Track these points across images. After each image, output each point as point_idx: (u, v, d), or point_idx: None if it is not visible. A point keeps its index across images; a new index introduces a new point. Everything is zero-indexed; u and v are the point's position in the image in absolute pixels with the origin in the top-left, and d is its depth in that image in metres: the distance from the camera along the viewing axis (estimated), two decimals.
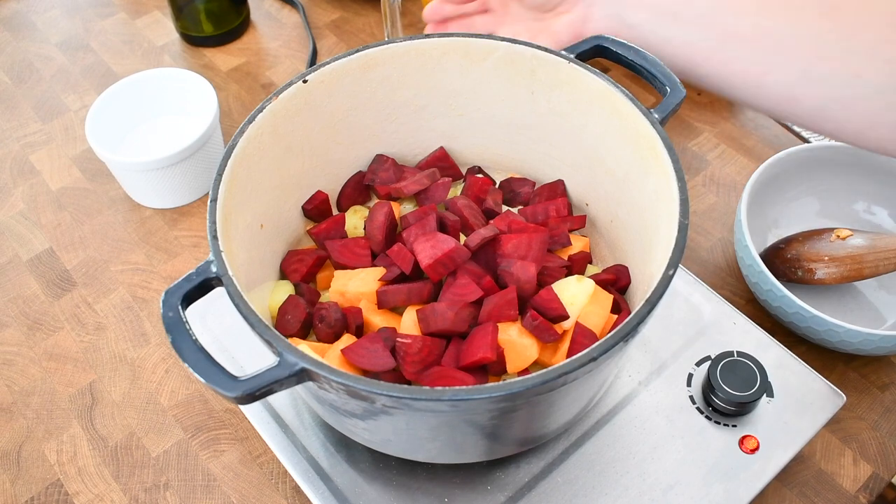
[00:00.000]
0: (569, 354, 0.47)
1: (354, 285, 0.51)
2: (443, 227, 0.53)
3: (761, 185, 0.64)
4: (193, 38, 0.89)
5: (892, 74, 0.46)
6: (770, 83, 0.51)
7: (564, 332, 0.48)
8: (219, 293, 0.41)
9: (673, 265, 0.40)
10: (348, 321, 0.50)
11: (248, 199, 0.48)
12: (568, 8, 0.58)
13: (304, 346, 0.47)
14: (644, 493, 0.50)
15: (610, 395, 0.55)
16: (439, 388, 0.36)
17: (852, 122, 0.48)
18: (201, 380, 0.37)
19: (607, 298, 0.50)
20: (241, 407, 0.58)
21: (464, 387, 0.37)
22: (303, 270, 0.54)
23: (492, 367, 0.47)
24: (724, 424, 0.53)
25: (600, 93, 0.50)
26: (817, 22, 0.48)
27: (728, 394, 0.51)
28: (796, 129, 0.75)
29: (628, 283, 0.53)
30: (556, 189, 0.58)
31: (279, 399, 0.55)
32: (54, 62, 0.88)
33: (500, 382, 0.36)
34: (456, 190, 0.59)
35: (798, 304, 0.56)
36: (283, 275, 0.55)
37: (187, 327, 0.39)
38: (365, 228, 0.56)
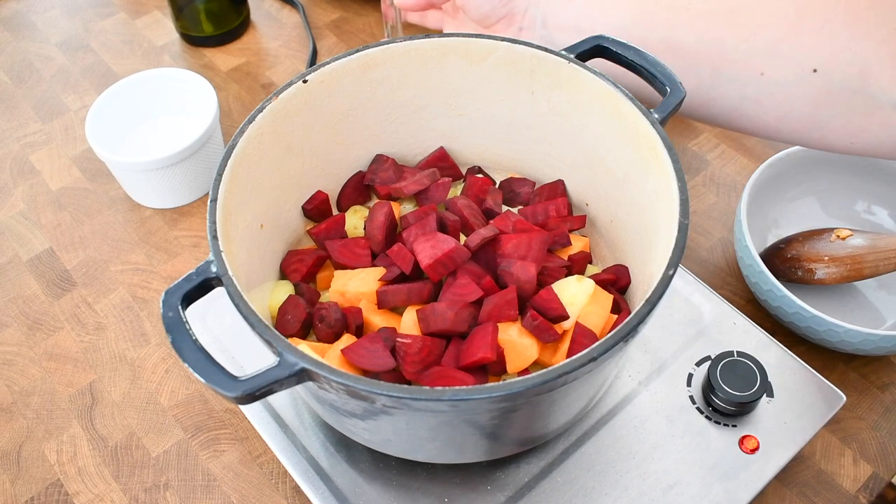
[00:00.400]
0: (569, 354, 0.47)
1: (354, 285, 0.51)
2: (443, 227, 0.53)
3: (761, 185, 0.64)
4: (193, 38, 0.89)
5: (792, 70, 0.49)
6: (687, 88, 0.54)
7: (564, 332, 0.48)
8: (219, 293, 0.41)
9: (673, 265, 0.40)
10: (348, 321, 0.50)
11: (248, 199, 0.48)
12: (503, 28, 0.61)
13: (304, 346, 0.47)
14: (644, 493, 0.50)
15: (610, 395, 0.55)
16: (439, 388, 0.36)
17: (766, 117, 0.52)
18: (201, 380, 0.37)
19: (607, 298, 0.50)
20: (241, 407, 0.58)
21: (464, 387, 0.37)
22: (303, 270, 0.54)
23: (492, 367, 0.47)
24: (724, 424, 0.53)
25: (600, 93, 0.50)
26: (720, 28, 0.52)
27: (728, 394, 0.51)
28: None
29: (628, 283, 0.53)
30: (556, 189, 0.58)
31: (279, 399, 0.55)
32: (54, 62, 0.88)
33: (500, 382, 0.36)
34: (456, 190, 0.59)
35: (798, 304, 0.56)
36: (283, 275, 0.55)
37: (187, 327, 0.39)
38: (365, 228, 0.56)
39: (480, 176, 0.59)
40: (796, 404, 0.54)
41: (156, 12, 0.94)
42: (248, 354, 0.57)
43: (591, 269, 0.55)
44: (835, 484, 0.56)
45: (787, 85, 0.50)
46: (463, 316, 0.47)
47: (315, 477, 0.51)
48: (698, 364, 0.56)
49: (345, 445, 0.53)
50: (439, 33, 0.53)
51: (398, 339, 0.47)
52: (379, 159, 0.59)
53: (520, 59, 0.52)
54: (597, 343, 0.38)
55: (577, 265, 0.54)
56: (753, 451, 0.52)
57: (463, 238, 0.53)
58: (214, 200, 0.44)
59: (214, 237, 0.42)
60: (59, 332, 0.66)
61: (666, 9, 0.54)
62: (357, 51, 0.52)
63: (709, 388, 0.53)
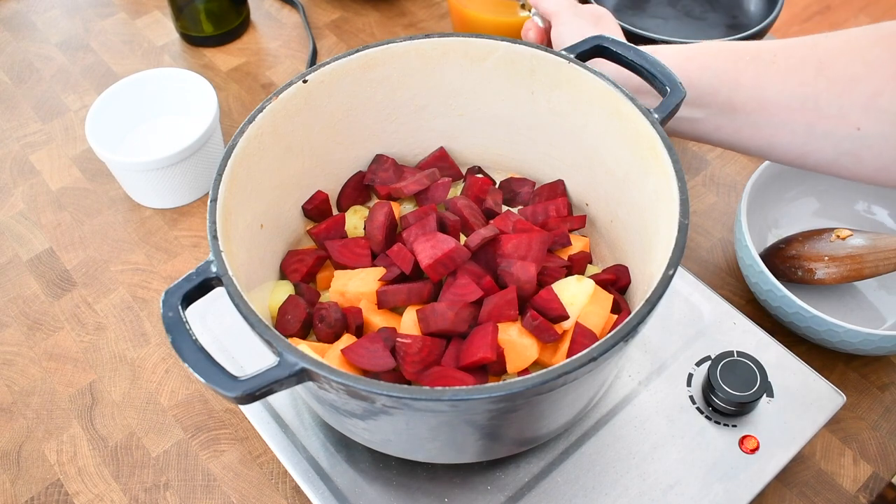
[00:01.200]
0: (569, 354, 0.47)
1: (354, 285, 0.51)
2: (443, 227, 0.53)
3: (761, 185, 0.64)
4: (193, 38, 0.89)
5: (891, 122, 0.47)
6: (780, 144, 0.52)
7: (564, 332, 0.48)
8: (219, 293, 0.41)
9: (673, 265, 0.40)
10: (348, 321, 0.50)
11: (248, 199, 0.48)
12: None
13: (304, 346, 0.47)
14: (644, 493, 0.50)
15: (610, 395, 0.55)
16: (439, 388, 0.36)
17: (864, 169, 0.50)
18: (201, 380, 0.37)
19: (607, 298, 0.50)
20: (241, 407, 0.58)
21: (464, 387, 0.37)
22: (303, 270, 0.54)
23: (492, 367, 0.47)
24: (724, 424, 0.53)
25: (600, 93, 0.50)
26: (812, 83, 0.50)
27: (728, 394, 0.51)
28: None
29: (628, 283, 0.53)
30: (556, 189, 0.58)
31: (279, 399, 0.55)
32: (54, 62, 0.88)
33: (500, 382, 0.36)
34: (456, 190, 0.59)
35: (798, 304, 0.56)
36: (283, 275, 0.55)
37: (187, 327, 0.39)
38: (365, 228, 0.56)
39: (480, 176, 0.59)
40: (796, 404, 0.54)
41: (156, 12, 0.94)
42: (248, 354, 0.57)
43: (591, 269, 0.55)
44: (835, 484, 0.56)
45: (885, 137, 0.48)
46: (463, 316, 0.47)
47: (315, 477, 0.51)
48: (698, 364, 0.56)
49: (345, 445, 0.53)
50: (439, 33, 0.53)
51: (398, 339, 0.47)
52: (379, 159, 0.59)
53: (520, 59, 0.52)
54: (597, 343, 0.38)
55: (577, 265, 0.54)
56: (753, 451, 0.52)
57: (463, 238, 0.53)
58: (214, 200, 0.44)
59: (214, 237, 0.42)
60: (59, 332, 0.66)
61: (751, 64, 0.52)
62: (357, 51, 0.52)
63: (709, 388, 0.53)
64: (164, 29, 0.92)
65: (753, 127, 0.53)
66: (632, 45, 0.51)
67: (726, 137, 0.55)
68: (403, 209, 0.58)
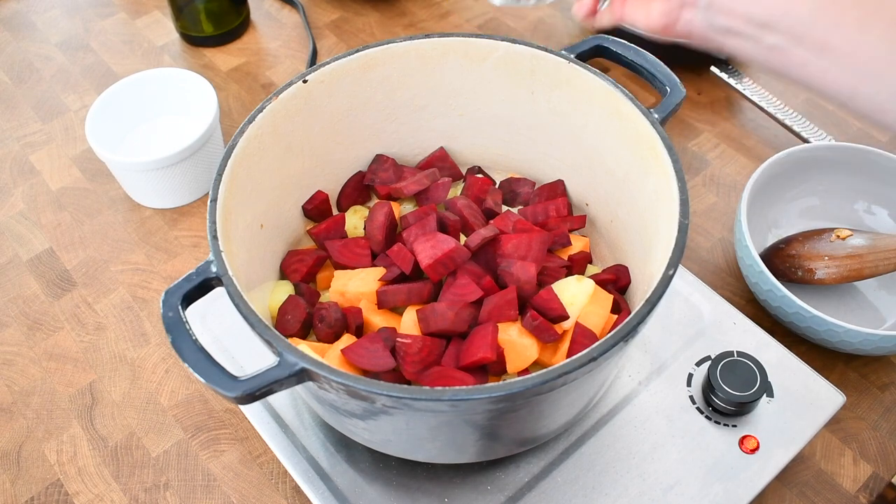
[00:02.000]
0: (569, 354, 0.47)
1: (354, 285, 0.51)
2: (443, 227, 0.53)
3: (761, 185, 0.64)
4: (193, 38, 0.89)
5: None
6: (863, 95, 0.50)
7: (564, 332, 0.48)
8: (219, 293, 0.41)
9: (673, 265, 0.40)
10: (348, 321, 0.50)
11: (248, 199, 0.48)
12: (662, 2, 0.55)
13: (304, 346, 0.47)
14: (644, 493, 0.50)
15: (610, 395, 0.55)
16: (439, 388, 0.36)
17: None
18: (201, 380, 0.37)
19: (607, 298, 0.50)
20: (241, 407, 0.58)
21: (464, 387, 0.37)
22: (303, 270, 0.54)
23: (492, 367, 0.47)
24: (724, 424, 0.53)
25: (600, 93, 0.50)
26: None
27: (728, 394, 0.51)
28: (796, 129, 0.75)
29: (628, 283, 0.53)
30: (556, 189, 0.58)
31: (279, 399, 0.55)
32: (54, 62, 0.88)
33: (500, 382, 0.37)
34: (456, 190, 0.59)
35: (798, 304, 0.56)
36: (283, 275, 0.55)
37: (187, 327, 0.39)
38: (365, 228, 0.56)
39: (480, 176, 0.59)
40: (796, 404, 0.54)
41: (156, 12, 0.94)
42: (248, 354, 0.57)
43: (591, 269, 0.55)
44: (835, 484, 0.56)
45: None
46: (463, 316, 0.47)
47: (315, 477, 0.51)
48: (698, 364, 0.56)
49: (345, 445, 0.53)
50: (439, 33, 0.53)
51: (398, 339, 0.47)
52: (379, 159, 0.59)
53: (520, 59, 0.52)
54: (597, 343, 0.38)
55: (577, 265, 0.54)
56: (753, 451, 0.52)
57: (463, 238, 0.53)
58: (214, 200, 0.44)
59: (214, 237, 0.42)
60: (59, 332, 0.66)
61: (856, 7, 0.48)
62: (357, 51, 0.52)
63: (709, 388, 0.53)
64: (164, 29, 0.92)
65: (842, 71, 0.50)
66: (632, 45, 0.51)
67: (809, 76, 0.52)
68: (403, 209, 0.58)
